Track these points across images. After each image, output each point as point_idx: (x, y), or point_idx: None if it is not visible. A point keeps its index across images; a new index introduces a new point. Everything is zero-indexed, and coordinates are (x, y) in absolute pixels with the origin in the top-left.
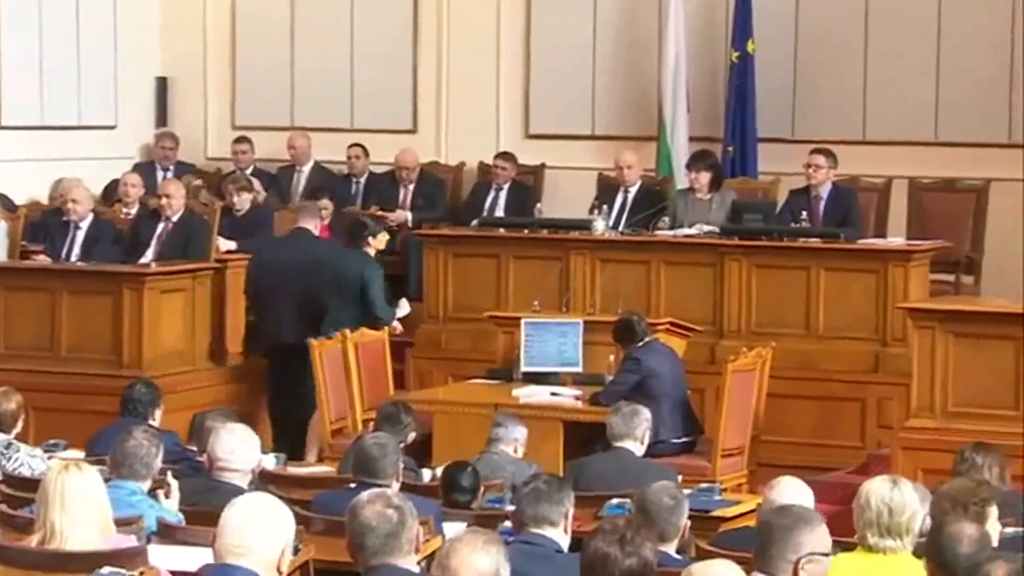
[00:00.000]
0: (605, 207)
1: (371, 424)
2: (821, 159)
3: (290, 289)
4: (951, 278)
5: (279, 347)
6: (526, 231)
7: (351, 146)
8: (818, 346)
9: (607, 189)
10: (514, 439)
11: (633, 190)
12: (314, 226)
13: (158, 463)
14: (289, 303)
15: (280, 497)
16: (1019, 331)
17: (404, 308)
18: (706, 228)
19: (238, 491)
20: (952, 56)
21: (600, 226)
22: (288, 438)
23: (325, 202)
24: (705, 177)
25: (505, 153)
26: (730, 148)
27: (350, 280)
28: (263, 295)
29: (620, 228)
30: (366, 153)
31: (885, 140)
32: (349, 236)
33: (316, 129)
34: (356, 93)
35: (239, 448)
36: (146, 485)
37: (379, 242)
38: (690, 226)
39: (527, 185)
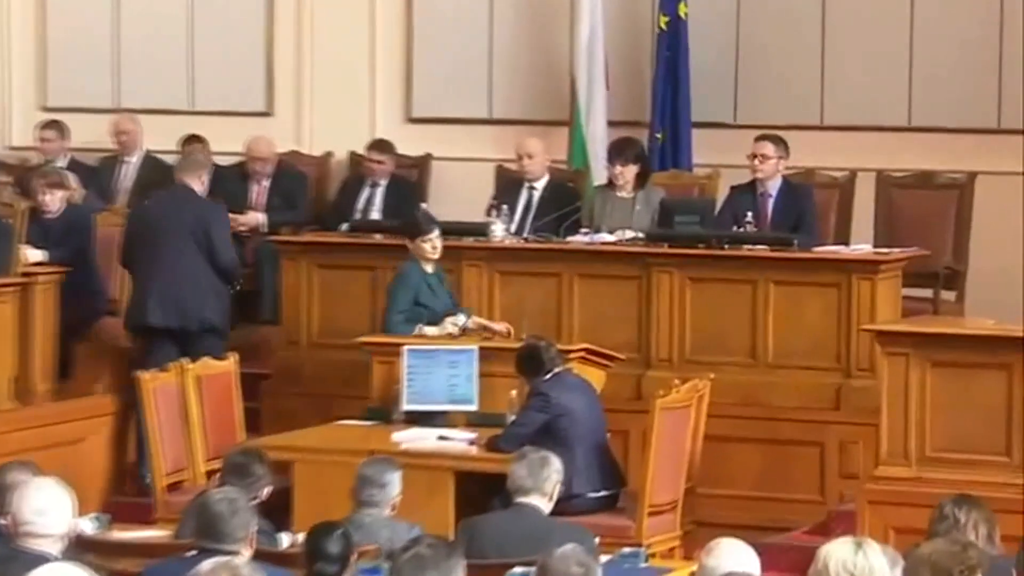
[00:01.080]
0: (506, 207)
1: (216, 476)
2: (769, 148)
3: (174, 259)
4: (928, 294)
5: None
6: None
7: (186, 140)
8: (767, 377)
9: (508, 185)
10: (392, 497)
11: (540, 186)
12: (199, 183)
13: None
14: (178, 276)
15: (99, 568)
16: (1011, 358)
17: (459, 321)
18: (630, 233)
19: (45, 561)
20: (929, 24)
21: (499, 231)
22: None
23: None
24: (629, 171)
25: (381, 142)
26: (658, 135)
27: None
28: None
29: (524, 233)
30: (202, 143)
31: (847, 125)
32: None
33: (147, 111)
34: (197, 67)
35: (49, 508)
36: None
37: (426, 248)
38: (610, 231)
39: (409, 181)
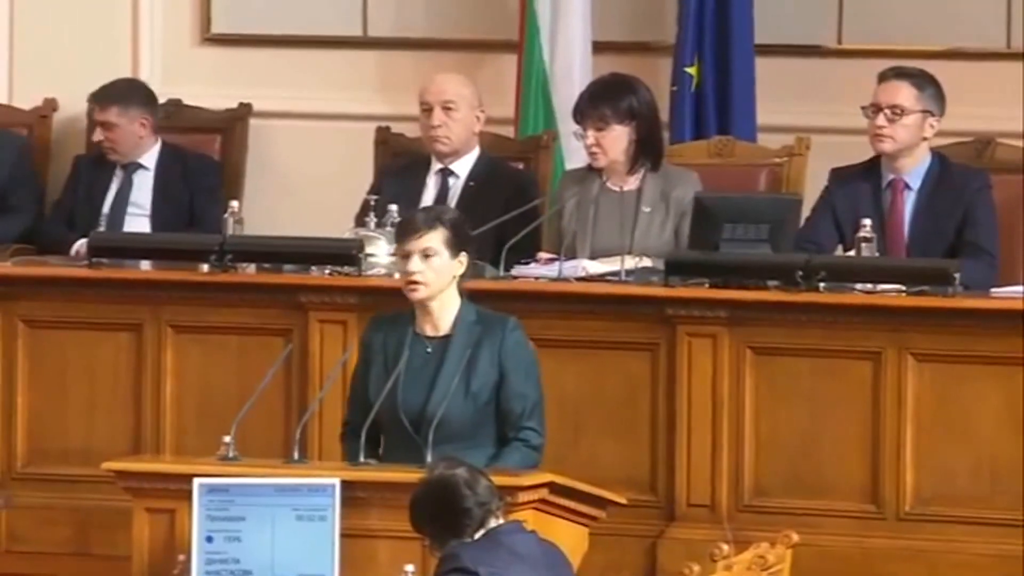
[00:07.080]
0: (395, 210)
1: None
2: (905, 91)
3: None
4: None
5: None
6: (205, 267)
7: None
8: (901, 541)
9: (401, 167)
10: None
11: (463, 168)
12: None
13: None
14: None
15: None
16: None
17: None
18: (635, 260)
19: None
20: None
21: (383, 255)
22: None
23: None
24: (614, 140)
25: (118, 87)
26: (689, 69)
27: None
28: None
29: None
30: None
31: None
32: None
33: None
34: None
35: None
36: None
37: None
38: (596, 255)
39: (205, 158)
